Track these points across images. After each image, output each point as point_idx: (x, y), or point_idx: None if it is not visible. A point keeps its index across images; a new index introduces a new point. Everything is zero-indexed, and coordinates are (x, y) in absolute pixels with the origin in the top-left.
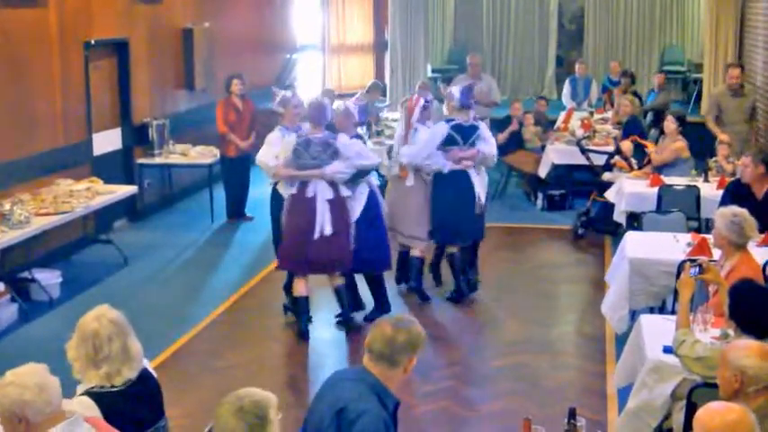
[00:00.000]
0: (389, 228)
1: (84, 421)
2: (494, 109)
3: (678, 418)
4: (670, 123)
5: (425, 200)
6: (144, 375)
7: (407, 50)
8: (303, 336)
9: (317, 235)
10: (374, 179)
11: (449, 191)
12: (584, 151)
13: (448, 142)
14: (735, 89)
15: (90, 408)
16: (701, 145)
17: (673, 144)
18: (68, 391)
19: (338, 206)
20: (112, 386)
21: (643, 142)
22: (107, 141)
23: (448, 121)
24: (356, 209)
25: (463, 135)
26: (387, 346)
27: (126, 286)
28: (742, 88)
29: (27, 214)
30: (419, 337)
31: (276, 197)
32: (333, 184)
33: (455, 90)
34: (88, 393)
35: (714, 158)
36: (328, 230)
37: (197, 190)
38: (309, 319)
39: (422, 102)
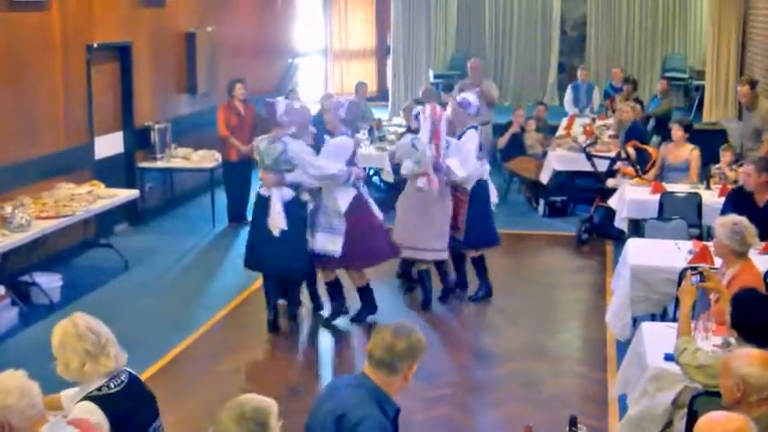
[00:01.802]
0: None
1: (66, 424)
2: (494, 112)
3: (679, 427)
4: (677, 131)
5: (449, 210)
6: (133, 377)
7: (410, 56)
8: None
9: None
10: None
11: (484, 197)
12: (589, 157)
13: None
14: (747, 106)
15: (92, 412)
16: (704, 152)
17: (692, 153)
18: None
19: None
20: (109, 388)
21: (644, 147)
22: (109, 145)
23: (476, 128)
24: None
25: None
26: (387, 352)
27: (126, 290)
28: (754, 103)
29: (28, 218)
30: (419, 344)
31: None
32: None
33: (471, 97)
34: (89, 398)
35: (717, 165)
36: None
37: (198, 194)
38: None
39: (445, 114)
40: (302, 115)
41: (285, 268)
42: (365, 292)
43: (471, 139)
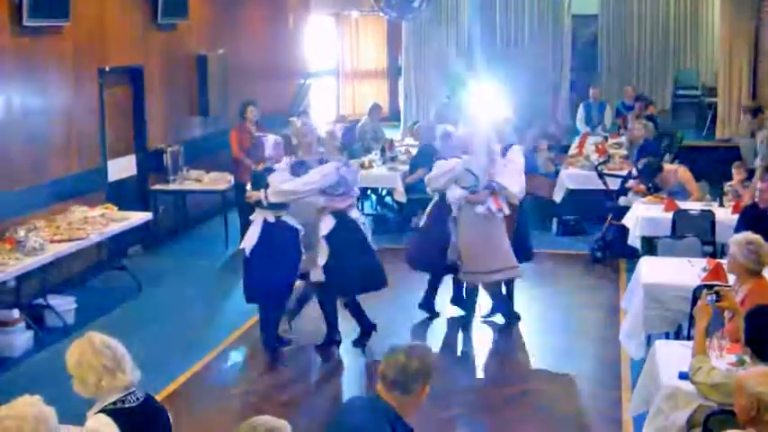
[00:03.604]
0: (474, 272)
1: None
2: None
3: None
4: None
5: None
6: (148, 396)
7: (421, 76)
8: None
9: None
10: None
11: (525, 212)
12: (601, 176)
13: None
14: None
15: (107, 424)
16: (717, 169)
17: (678, 172)
18: (76, 418)
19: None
20: (124, 403)
21: (639, 189)
22: (122, 168)
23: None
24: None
25: None
26: (400, 373)
27: (140, 313)
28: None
29: (42, 241)
30: (432, 365)
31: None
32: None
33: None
34: (105, 411)
35: (730, 183)
36: None
37: (211, 216)
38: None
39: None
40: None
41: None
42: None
43: (517, 154)
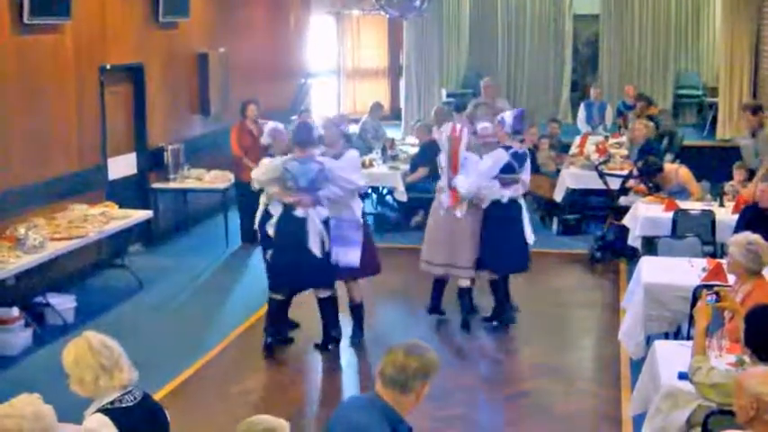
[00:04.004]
0: (426, 261)
1: None
2: None
3: None
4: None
5: (477, 228)
6: (146, 395)
7: (422, 75)
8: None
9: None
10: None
11: (502, 219)
12: (602, 175)
13: (506, 170)
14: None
15: (106, 424)
16: (717, 169)
17: (679, 172)
18: (75, 416)
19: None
20: (122, 402)
21: (640, 189)
22: (122, 166)
23: (506, 148)
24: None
25: (518, 162)
26: (399, 372)
27: (140, 311)
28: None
29: (42, 239)
30: (432, 364)
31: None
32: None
33: (507, 116)
34: (103, 411)
35: (730, 183)
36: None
37: (212, 214)
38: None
39: (466, 131)
40: (334, 131)
41: (328, 283)
42: (357, 311)
43: (491, 157)
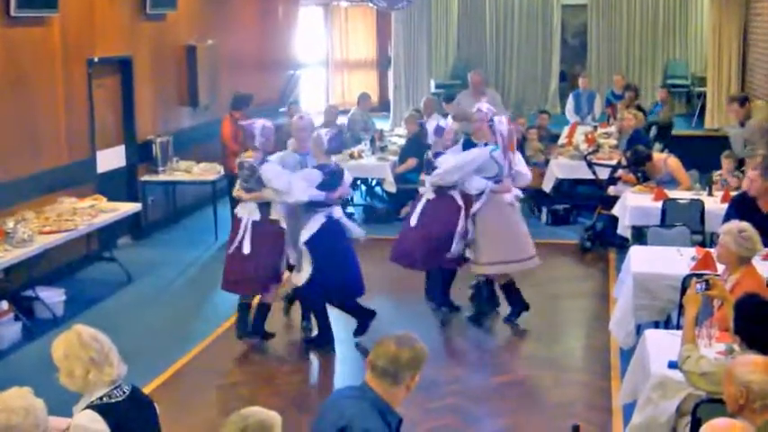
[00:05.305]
0: (487, 263)
1: None
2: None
3: None
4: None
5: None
6: (135, 388)
7: (411, 66)
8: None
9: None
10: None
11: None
12: (590, 165)
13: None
14: (740, 122)
15: (95, 421)
16: (706, 158)
17: (668, 162)
18: (65, 410)
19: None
20: (111, 397)
21: (629, 179)
22: (111, 159)
23: (486, 144)
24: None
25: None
26: (391, 363)
27: (130, 304)
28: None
29: (31, 232)
30: (422, 355)
31: None
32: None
33: (484, 107)
34: (92, 407)
35: (718, 172)
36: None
37: (201, 207)
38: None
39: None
40: (272, 134)
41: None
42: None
43: (472, 151)
